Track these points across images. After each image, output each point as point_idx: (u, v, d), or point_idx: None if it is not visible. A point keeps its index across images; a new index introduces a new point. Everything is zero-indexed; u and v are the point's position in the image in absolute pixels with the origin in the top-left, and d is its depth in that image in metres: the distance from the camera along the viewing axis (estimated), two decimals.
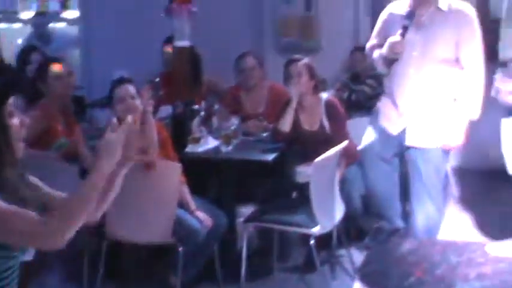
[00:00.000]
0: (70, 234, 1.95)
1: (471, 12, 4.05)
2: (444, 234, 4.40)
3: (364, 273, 2.99)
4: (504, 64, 4.23)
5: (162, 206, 3.78)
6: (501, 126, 4.26)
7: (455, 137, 4.07)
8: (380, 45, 4.22)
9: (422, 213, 4.25)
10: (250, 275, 4.12)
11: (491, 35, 4.38)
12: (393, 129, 4.28)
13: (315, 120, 4.43)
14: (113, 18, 6.82)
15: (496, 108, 4.22)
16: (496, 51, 4.33)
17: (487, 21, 4.83)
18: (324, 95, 4.51)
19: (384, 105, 4.38)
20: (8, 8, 8.32)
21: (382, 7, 4.43)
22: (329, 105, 4.41)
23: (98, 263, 3.76)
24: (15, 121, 2.01)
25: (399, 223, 4.54)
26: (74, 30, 7.61)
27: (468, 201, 5.53)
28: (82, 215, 1.97)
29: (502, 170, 4.32)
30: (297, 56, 4.53)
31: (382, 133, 4.34)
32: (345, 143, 4.00)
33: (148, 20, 5.96)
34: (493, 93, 4.22)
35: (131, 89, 3.88)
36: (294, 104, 4.38)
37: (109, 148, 2.04)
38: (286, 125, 4.39)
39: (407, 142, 4.22)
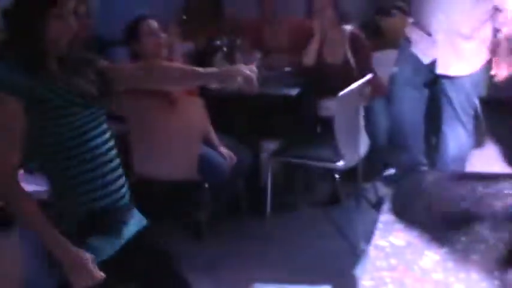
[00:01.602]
0: None
1: None
2: (472, 166, 4.37)
3: (388, 206, 2.97)
4: None
5: (187, 143, 3.79)
6: None
7: (499, 67, 3.97)
8: None
9: (454, 141, 4.19)
10: (274, 210, 4.15)
11: None
12: (425, 58, 4.20)
13: (339, 53, 4.35)
14: None
15: None
16: None
17: None
18: (348, 28, 4.42)
19: (413, 33, 4.29)
20: None
21: None
22: (353, 37, 4.33)
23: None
24: (69, 22, 2.00)
25: (422, 158, 4.50)
26: None
27: (497, 133, 5.46)
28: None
29: None
30: None
31: (413, 60, 4.24)
32: (369, 76, 3.94)
33: None
34: None
35: (155, 24, 3.85)
36: (317, 37, 4.31)
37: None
38: (309, 58, 4.34)
39: (439, 70, 4.14)
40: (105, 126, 2.13)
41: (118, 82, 2.21)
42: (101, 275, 2.00)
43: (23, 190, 1.97)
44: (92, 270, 1.99)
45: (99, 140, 2.08)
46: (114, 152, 2.15)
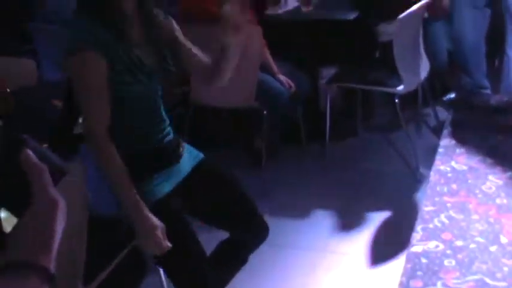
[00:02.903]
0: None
1: None
2: None
3: (449, 131, 2.93)
4: None
5: (245, 70, 3.78)
6: None
7: None
8: None
9: None
10: (334, 136, 4.16)
11: None
12: None
13: None
14: None
15: None
16: None
17: None
18: None
19: None
20: None
21: None
22: None
23: (183, 128, 3.85)
24: None
25: (484, 81, 4.41)
26: None
27: None
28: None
29: None
30: None
31: None
32: None
33: None
34: None
35: None
36: None
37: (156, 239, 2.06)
38: None
39: None
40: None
41: (184, 61, 2.27)
42: (168, 245, 2.03)
43: (113, 149, 2.02)
44: (161, 239, 2.02)
45: (151, 94, 2.15)
46: (160, 98, 2.21)
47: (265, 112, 3.82)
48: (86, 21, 1.99)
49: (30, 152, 0.84)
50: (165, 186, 2.17)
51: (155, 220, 2.02)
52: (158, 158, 2.18)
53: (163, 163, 2.19)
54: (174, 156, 2.23)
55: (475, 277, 1.49)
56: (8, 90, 2.99)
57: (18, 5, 5.77)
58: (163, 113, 2.24)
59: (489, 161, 2.05)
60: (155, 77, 2.11)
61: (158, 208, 2.09)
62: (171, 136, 2.25)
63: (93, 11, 2.00)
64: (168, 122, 2.26)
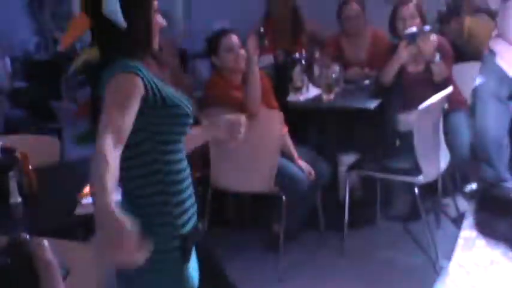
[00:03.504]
0: None
1: None
2: None
3: (470, 222, 2.93)
4: None
5: (265, 155, 3.81)
6: None
7: None
8: None
9: None
10: (353, 224, 4.13)
11: None
12: (510, 70, 4.10)
13: (420, 60, 4.25)
14: None
15: None
16: None
17: None
18: (434, 36, 4.27)
19: (498, 45, 4.20)
20: None
21: None
22: (439, 45, 4.21)
23: (203, 211, 3.85)
24: (158, 18, 2.05)
25: (506, 173, 4.39)
26: None
27: None
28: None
29: None
30: None
31: (499, 72, 4.16)
32: (450, 88, 3.88)
33: None
34: None
35: (237, 39, 3.92)
36: (402, 57, 4.19)
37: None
38: (390, 76, 4.24)
39: None
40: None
41: None
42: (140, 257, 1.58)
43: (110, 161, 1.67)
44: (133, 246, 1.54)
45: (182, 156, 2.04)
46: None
47: (284, 197, 3.81)
48: (128, 61, 1.93)
49: (46, 247, 0.81)
50: (195, 279, 2.03)
51: (126, 222, 1.56)
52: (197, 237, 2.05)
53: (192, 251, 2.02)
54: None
55: None
56: (30, 167, 3.03)
57: (47, 86, 5.94)
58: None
59: (511, 254, 2.02)
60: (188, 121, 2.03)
61: None
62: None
63: (131, 53, 1.97)
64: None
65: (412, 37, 4.14)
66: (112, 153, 1.68)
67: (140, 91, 1.86)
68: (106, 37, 1.98)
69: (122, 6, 1.94)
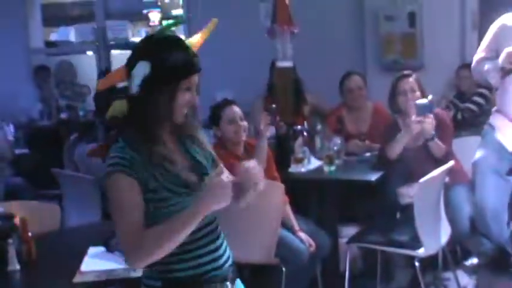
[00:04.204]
0: (148, 262, 2.02)
1: None
2: None
3: None
4: None
5: (266, 226, 3.81)
6: None
7: None
8: (488, 59, 4.11)
9: None
10: None
11: None
12: (510, 145, 4.14)
13: (420, 135, 4.27)
14: (216, 41, 6.94)
15: None
16: None
17: None
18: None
19: (498, 120, 4.24)
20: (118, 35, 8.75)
21: (491, 21, 4.29)
22: (438, 118, 4.23)
23: None
24: (187, 95, 2.10)
25: (508, 246, 4.37)
26: None
27: None
28: (165, 247, 1.99)
29: None
30: (407, 72, 4.39)
31: (498, 147, 4.18)
32: (451, 163, 3.90)
33: (251, 42, 6.03)
34: None
35: (239, 110, 3.97)
36: (408, 133, 4.14)
37: (224, 191, 2.00)
38: (395, 152, 4.22)
39: None
40: None
41: None
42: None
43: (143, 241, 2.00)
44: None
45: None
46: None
47: (284, 269, 3.79)
48: (125, 144, 2.07)
49: None
50: None
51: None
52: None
53: None
54: None
55: None
56: (30, 234, 3.02)
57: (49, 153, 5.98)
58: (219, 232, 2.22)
59: None
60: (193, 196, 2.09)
61: None
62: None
63: (130, 134, 2.08)
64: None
65: (425, 109, 4.09)
66: (137, 235, 1.98)
67: (133, 188, 2.02)
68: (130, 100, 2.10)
69: (148, 78, 2.03)
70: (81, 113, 7.57)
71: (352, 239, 4.11)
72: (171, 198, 2.05)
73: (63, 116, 7.57)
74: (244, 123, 3.95)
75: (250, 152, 3.96)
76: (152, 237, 1.97)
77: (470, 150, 4.42)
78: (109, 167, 2.04)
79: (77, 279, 2.75)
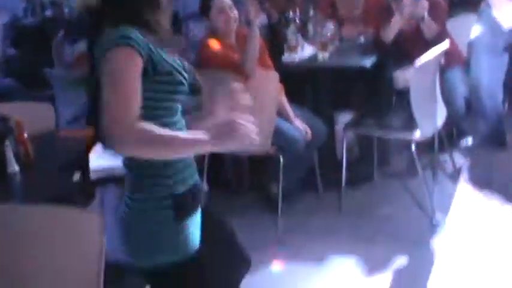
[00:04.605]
0: (132, 153, 1.85)
1: None
2: None
3: (466, 177, 2.92)
4: None
5: (262, 115, 3.79)
6: None
7: None
8: None
9: None
10: (350, 182, 4.14)
11: None
12: (506, 21, 4.07)
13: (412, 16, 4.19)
14: None
15: None
16: None
17: None
18: None
19: None
20: None
21: None
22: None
23: (200, 173, 3.85)
24: None
25: (501, 127, 4.38)
26: None
27: None
28: (156, 151, 1.82)
29: None
30: None
31: (494, 24, 4.13)
32: (446, 44, 3.85)
33: None
34: None
35: (228, 0, 3.89)
36: (399, 18, 4.14)
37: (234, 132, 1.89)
38: (389, 35, 4.19)
39: None
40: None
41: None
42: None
43: (142, 126, 1.77)
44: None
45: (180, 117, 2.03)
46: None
47: (281, 158, 3.81)
48: (124, 27, 1.89)
49: None
50: (196, 237, 2.02)
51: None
52: (195, 198, 2.04)
53: (196, 205, 2.04)
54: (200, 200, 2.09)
55: None
56: (26, 135, 3.00)
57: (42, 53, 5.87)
58: None
59: (508, 207, 2.03)
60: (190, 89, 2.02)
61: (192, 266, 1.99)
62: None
63: (130, 21, 1.93)
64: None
65: None
66: (136, 124, 1.74)
67: (138, 65, 1.84)
68: None
69: None
70: (66, 10, 7.37)
71: (348, 125, 4.12)
72: (177, 84, 1.95)
73: (48, 13, 7.38)
74: (235, 13, 3.88)
75: (242, 42, 3.90)
76: (151, 133, 1.76)
77: (466, 30, 4.35)
78: (117, 39, 1.84)
79: (77, 177, 2.76)
